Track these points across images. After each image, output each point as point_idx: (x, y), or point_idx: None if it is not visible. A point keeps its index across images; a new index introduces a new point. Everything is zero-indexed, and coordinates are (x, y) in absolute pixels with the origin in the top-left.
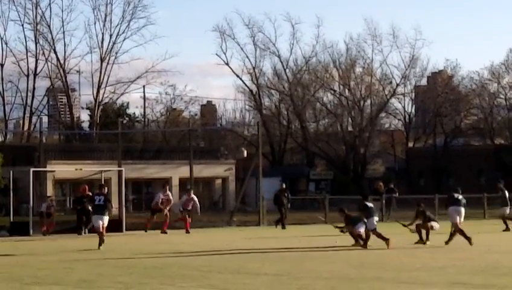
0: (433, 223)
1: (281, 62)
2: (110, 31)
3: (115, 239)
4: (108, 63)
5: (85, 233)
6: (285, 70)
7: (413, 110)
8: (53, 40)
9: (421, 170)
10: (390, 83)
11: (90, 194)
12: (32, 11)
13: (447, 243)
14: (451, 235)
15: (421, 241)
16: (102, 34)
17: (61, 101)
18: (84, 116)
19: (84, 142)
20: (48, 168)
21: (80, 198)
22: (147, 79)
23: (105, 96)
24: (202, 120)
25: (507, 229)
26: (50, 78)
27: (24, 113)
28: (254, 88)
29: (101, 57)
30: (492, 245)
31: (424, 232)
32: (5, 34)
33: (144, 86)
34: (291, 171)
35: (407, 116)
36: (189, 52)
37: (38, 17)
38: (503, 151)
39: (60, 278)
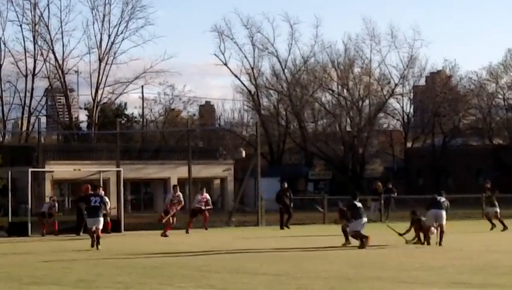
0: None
1: (280, 62)
2: (109, 31)
3: (114, 239)
4: (106, 64)
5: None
6: (283, 70)
7: (411, 110)
8: (51, 40)
9: (420, 170)
10: (389, 83)
11: (93, 193)
12: (31, 11)
13: (439, 244)
14: (440, 236)
15: (420, 241)
16: (101, 34)
17: (60, 102)
18: (82, 116)
19: (83, 142)
20: (47, 168)
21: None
22: (146, 79)
23: (104, 96)
24: (201, 120)
25: (494, 226)
26: (48, 78)
27: (22, 113)
28: (252, 88)
29: (99, 57)
30: (491, 245)
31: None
32: (3, 34)
33: (142, 86)
34: (290, 171)
35: (405, 116)
36: (187, 52)
37: (37, 18)
38: (501, 151)
39: (59, 278)
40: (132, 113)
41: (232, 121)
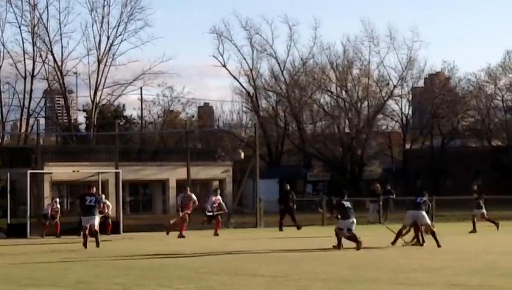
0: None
1: (278, 64)
2: (108, 32)
3: (113, 240)
4: (105, 65)
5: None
6: (282, 72)
7: (410, 112)
8: (50, 42)
9: (418, 172)
10: (388, 84)
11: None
12: (30, 12)
13: (422, 244)
14: (434, 237)
15: (418, 242)
16: (100, 35)
17: (59, 103)
18: (81, 118)
19: (81, 143)
20: (45, 170)
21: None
22: (144, 81)
23: (103, 98)
24: (199, 122)
25: (474, 230)
26: (47, 80)
27: (21, 115)
28: (251, 90)
29: (98, 58)
30: (489, 246)
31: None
32: (2, 35)
33: (141, 88)
34: (289, 172)
35: (404, 118)
36: (186, 54)
37: (36, 19)
38: (500, 152)
39: (57, 279)
40: (131, 115)
41: (231, 122)
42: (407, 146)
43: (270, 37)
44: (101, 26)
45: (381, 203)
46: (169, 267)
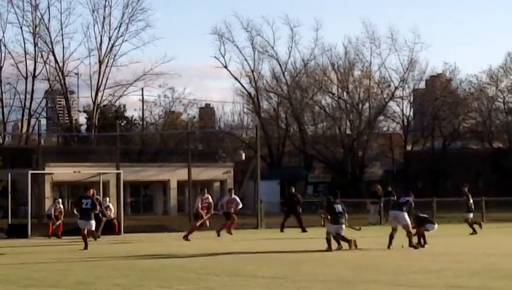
0: (427, 226)
1: (280, 65)
2: (109, 33)
3: (113, 241)
4: (106, 66)
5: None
6: (283, 73)
7: (411, 113)
8: (52, 42)
9: (419, 173)
10: (389, 86)
11: (98, 197)
12: (32, 13)
13: (409, 245)
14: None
15: (419, 244)
16: (101, 36)
17: (60, 104)
18: (82, 119)
19: (83, 144)
20: (46, 170)
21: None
22: (145, 81)
23: (104, 98)
24: (200, 123)
25: (474, 232)
26: (49, 80)
27: (22, 115)
28: (252, 91)
29: (99, 59)
30: (489, 248)
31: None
32: (3, 36)
33: (142, 89)
34: (290, 173)
35: (405, 119)
36: (186, 55)
37: (37, 20)
38: (501, 154)
39: (57, 280)
40: (132, 116)
41: (232, 123)
42: (408, 148)
43: (272, 38)
44: (103, 27)
45: (382, 204)
46: (169, 268)
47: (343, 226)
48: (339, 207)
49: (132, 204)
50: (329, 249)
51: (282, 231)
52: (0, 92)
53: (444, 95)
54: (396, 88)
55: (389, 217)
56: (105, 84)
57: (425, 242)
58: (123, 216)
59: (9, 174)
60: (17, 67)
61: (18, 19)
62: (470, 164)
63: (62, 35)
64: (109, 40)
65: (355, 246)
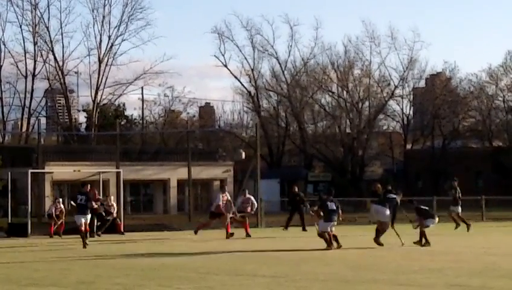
0: (428, 221)
1: (279, 64)
2: (109, 32)
3: (113, 240)
4: (106, 65)
5: (98, 235)
6: (283, 72)
7: (411, 112)
8: (51, 41)
9: (419, 172)
10: (389, 84)
11: (100, 197)
12: (31, 12)
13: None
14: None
15: (419, 242)
16: (101, 35)
17: (60, 103)
18: (82, 118)
19: (82, 143)
20: (46, 169)
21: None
22: (145, 80)
23: (104, 97)
24: (200, 122)
25: (458, 226)
26: (48, 79)
27: (22, 114)
28: (252, 90)
29: (99, 58)
30: (490, 247)
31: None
32: (3, 35)
33: (142, 88)
34: (289, 173)
35: (405, 118)
36: (187, 54)
37: (37, 19)
38: (501, 153)
39: (58, 279)
40: (132, 115)
41: (232, 122)
42: (408, 147)
43: (271, 37)
44: (102, 25)
45: None
46: (169, 267)
47: (335, 223)
48: (333, 205)
49: (132, 203)
50: (329, 247)
51: (286, 229)
52: (0, 91)
53: (443, 94)
54: (396, 87)
55: (370, 211)
56: (105, 83)
57: (426, 241)
58: (123, 215)
59: (9, 173)
60: (17, 67)
61: (18, 18)
62: (470, 162)
63: (62, 34)
64: (109, 39)
65: (333, 247)
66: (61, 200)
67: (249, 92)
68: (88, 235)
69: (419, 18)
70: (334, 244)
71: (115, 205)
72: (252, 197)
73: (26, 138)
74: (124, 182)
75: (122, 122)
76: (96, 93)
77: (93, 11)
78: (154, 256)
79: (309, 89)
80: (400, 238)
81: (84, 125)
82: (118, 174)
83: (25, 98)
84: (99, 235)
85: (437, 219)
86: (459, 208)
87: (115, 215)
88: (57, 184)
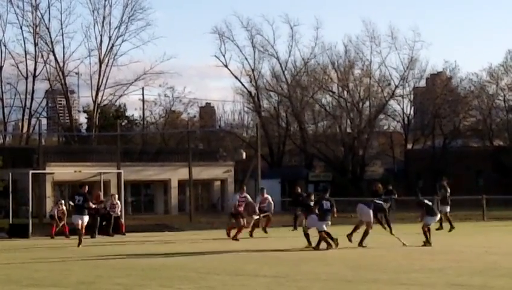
0: (428, 219)
1: (280, 64)
2: (109, 33)
3: (114, 241)
4: (107, 65)
5: (111, 235)
6: (283, 72)
7: (411, 112)
8: (52, 42)
9: (420, 172)
10: (389, 84)
11: (104, 199)
12: (32, 13)
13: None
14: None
15: (428, 243)
16: (101, 36)
17: (60, 103)
18: (83, 118)
19: (83, 144)
20: (47, 170)
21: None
22: (146, 81)
23: (104, 98)
24: (201, 122)
25: (441, 227)
26: (49, 80)
27: (23, 115)
28: (253, 90)
29: (99, 59)
30: (491, 246)
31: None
32: (3, 36)
33: (142, 88)
34: (290, 172)
35: (405, 118)
36: (187, 54)
37: (37, 20)
38: (501, 152)
39: (58, 280)
40: (132, 115)
41: (233, 122)
42: (409, 146)
43: (272, 37)
44: (103, 26)
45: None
46: (170, 267)
47: (329, 223)
48: (328, 204)
49: (133, 204)
50: (330, 246)
51: (296, 229)
52: (1, 92)
53: (444, 94)
54: (396, 87)
55: (357, 209)
56: (106, 83)
57: (428, 241)
58: (124, 216)
59: (10, 174)
60: (18, 67)
61: (18, 19)
62: (470, 162)
63: (62, 35)
64: (109, 39)
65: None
66: (63, 202)
67: (250, 92)
68: (92, 236)
69: (419, 17)
70: (319, 245)
71: (119, 203)
72: (270, 197)
73: (27, 138)
74: (125, 182)
75: (123, 123)
76: (97, 93)
77: (93, 11)
78: (154, 256)
79: (309, 89)
80: (401, 240)
81: (84, 126)
82: (118, 174)
83: (25, 99)
84: (111, 236)
85: (438, 216)
86: (448, 207)
87: (119, 213)
88: (57, 185)
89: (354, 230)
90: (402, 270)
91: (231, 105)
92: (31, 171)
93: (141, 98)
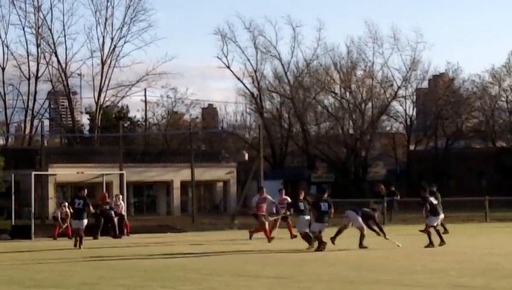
0: (431, 219)
1: (282, 65)
2: (111, 34)
3: (116, 242)
4: (109, 67)
5: (119, 237)
6: (286, 73)
7: (414, 113)
8: (54, 43)
9: (422, 173)
10: (392, 85)
11: (109, 201)
12: (34, 14)
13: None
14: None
15: (442, 242)
16: (103, 37)
17: (63, 105)
18: (85, 120)
19: (86, 145)
20: (50, 171)
21: (99, 205)
22: (148, 82)
23: (107, 99)
24: (203, 123)
25: (445, 231)
26: (51, 81)
27: (25, 116)
28: (255, 91)
29: (102, 60)
30: (493, 248)
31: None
32: (5, 37)
33: (145, 89)
34: (292, 174)
35: (408, 119)
36: (189, 55)
37: (40, 21)
38: (504, 154)
39: (60, 281)
40: (135, 116)
41: (235, 123)
42: (411, 147)
43: (274, 38)
44: (105, 27)
45: (385, 204)
46: (172, 268)
47: (327, 225)
48: (326, 205)
49: (135, 205)
50: (333, 241)
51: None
52: (3, 94)
53: (446, 95)
54: (399, 88)
55: (345, 214)
56: (108, 85)
57: (430, 243)
58: (126, 217)
59: (13, 175)
60: (20, 69)
61: (20, 20)
62: (473, 163)
63: (65, 36)
64: (111, 41)
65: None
66: (66, 204)
67: (252, 94)
68: (94, 237)
69: (421, 19)
70: (313, 245)
71: (123, 203)
72: (288, 198)
73: (29, 140)
74: (127, 183)
75: (125, 124)
76: (99, 95)
77: (95, 13)
78: (157, 257)
79: (312, 90)
80: (396, 242)
81: (87, 127)
82: (121, 175)
83: (28, 100)
84: (119, 237)
85: (442, 216)
86: (441, 215)
87: (123, 213)
88: (60, 186)
89: (337, 234)
90: (404, 271)
91: (233, 106)
92: (33, 173)
93: (143, 99)
